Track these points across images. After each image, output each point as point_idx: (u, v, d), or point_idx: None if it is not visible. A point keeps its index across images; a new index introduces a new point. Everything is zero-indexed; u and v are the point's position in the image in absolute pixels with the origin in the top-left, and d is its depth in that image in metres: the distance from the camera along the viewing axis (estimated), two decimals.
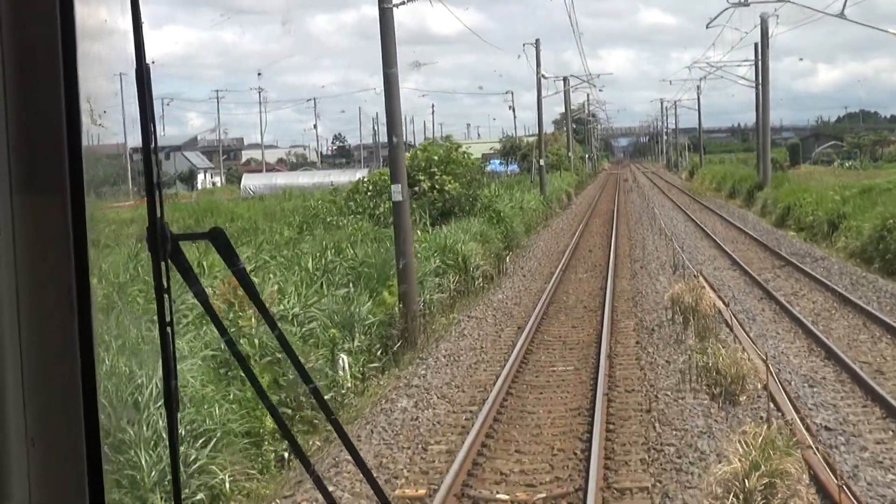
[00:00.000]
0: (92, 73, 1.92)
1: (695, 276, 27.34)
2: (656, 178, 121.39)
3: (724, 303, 22.42)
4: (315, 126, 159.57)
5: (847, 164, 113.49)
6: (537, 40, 59.53)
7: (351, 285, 22.83)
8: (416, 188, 37.55)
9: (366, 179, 39.17)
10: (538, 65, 59.90)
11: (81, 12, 1.86)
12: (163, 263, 1.94)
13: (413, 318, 22.05)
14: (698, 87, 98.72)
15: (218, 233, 2.09)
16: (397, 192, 22.59)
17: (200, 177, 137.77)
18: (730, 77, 64.34)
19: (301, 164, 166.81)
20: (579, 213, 59.20)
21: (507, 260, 35.14)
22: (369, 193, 37.65)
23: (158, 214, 1.93)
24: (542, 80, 61.86)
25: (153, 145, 1.92)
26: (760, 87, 57.56)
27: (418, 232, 33.14)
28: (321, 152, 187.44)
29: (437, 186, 37.63)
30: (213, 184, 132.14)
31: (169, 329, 1.96)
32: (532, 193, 57.51)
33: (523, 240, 42.40)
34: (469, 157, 39.81)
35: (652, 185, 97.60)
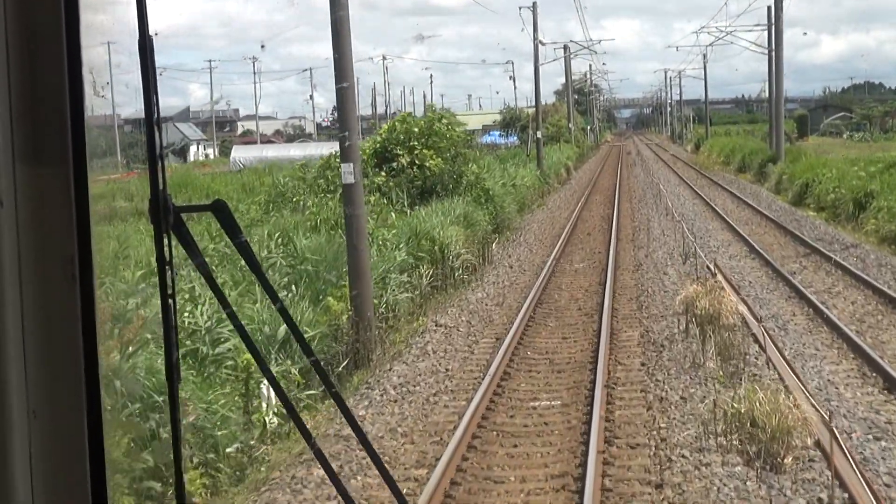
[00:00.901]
0: (95, 43, 1.92)
1: (710, 272, 23.03)
2: (660, 150, 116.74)
3: (753, 313, 18.13)
4: (311, 97, 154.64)
5: (857, 136, 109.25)
6: (534, 3, 54.98)
7: (293, 287, 18.61)
8: (394, 164, 33.27)
9: (337, 153, 34.79)
10: (535, 29, 55.39)
11: None
12: (165, 235, 1.95)
13: (367, 329, 17.78)
14: (704, 56, 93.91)
15: (221, 205, 2.08)
16: (348, 172, 18.28)
17: (193, 149, 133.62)
18: (740, 43, 59.55)
19: (298, 135, 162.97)
20: (579, 189, 54.79)
21: (494, 246, 30.80)
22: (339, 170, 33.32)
23: (161, 186, 1.92)
24: (540, 46, 57.36)
25: (156, 117, 1.92)
26: (774, 52, 53.00)
27: (392, 215, 29.00)
28: (319, 124, 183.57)
29: (416, 162, 33.31)
30: (206, 156, 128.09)
31: (171, 301, 1.94)
32: (528, 168, 53.19)
33: (515, 221, 38.06)
34: (454, 129, 35.41)
35: (656, 158, 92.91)
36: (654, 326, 18.48)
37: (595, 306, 20.94)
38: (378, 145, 34.00)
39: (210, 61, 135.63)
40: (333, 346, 16.77)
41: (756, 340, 16.63)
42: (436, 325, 19.35)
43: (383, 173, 32.69)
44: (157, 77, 1.96)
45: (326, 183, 33.01)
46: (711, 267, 24.32)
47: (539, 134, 55.46)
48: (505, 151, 70.54)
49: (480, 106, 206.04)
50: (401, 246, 24.18)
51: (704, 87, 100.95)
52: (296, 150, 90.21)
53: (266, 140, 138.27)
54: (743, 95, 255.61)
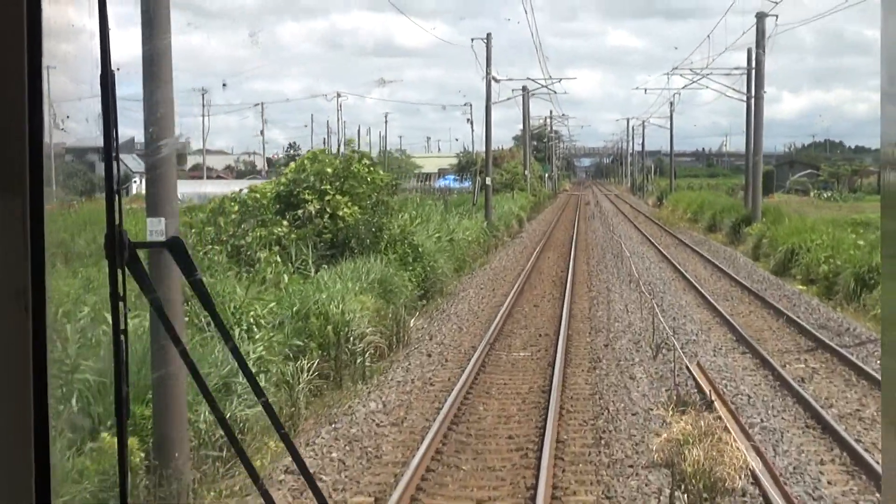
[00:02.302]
0: (57, 75, 1.98)
1: (694, 380, 16.69)
2: (620, 202, 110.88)
3: (773, 474, 11.69)
4: (262, 132, 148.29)
5: (825, 195, 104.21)
6: (488, 35, 48.84)
7: (71, 405, 12.05)
8: (300, 212, 26.80)
9: (231, 195, 28.32)
10: (488, 63, 49.18)
11: (49, 14, 1.86)
12: (119, 271, 1.93)
13: (174, 479, 11.25)
14: (671, 103, 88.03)
15: (176, 242, 2.08)
16: (157, 231, 11.82)
17: (136, 182, 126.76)
18: (714, 87, 53.54)
19: (250, 171, 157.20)
20: (531, 245, 48.36)
21: (414, 322, 24.29)
22: (234, 216, 26.79)
23: (117, 221, 1.91)
24: (495, 84, 51.19)
25: (115, 152, 1.92)
26: (753, 99, 47.08)
27: (286, 277, 22.56)
28: (271, 159, 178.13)
29: (328, 210, 26.86)
30: None
31: (123, 336, 1.94)
32: (474, 218, 46.86)
33: (450, 284, 31.59)
34: (377, 171, 28.94)
35: (616, 211, 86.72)
36: (618, 487, 11.94)
37: (533, 433, 14.44)
38: (282, 188, 27.56)
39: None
40: None
41: None
42: (286, 471, 12.68)
43: (285, 223, 26.23)
44: (118, 109, 1.90)
45: (217, 231, 26.48)
46: (693, 370, 17.99)
47: (488, 180, 49.16)
48: (457, 196, 64.78)
49: (439, 149, 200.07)
50: (285, 325, 17.96)
51: (670, 136, 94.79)
52: (238, 187, 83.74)
53: (216, 175, 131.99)
54: (703, 148, 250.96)
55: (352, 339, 19.47)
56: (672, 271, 36.35)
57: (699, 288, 31.07)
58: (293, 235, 25.92)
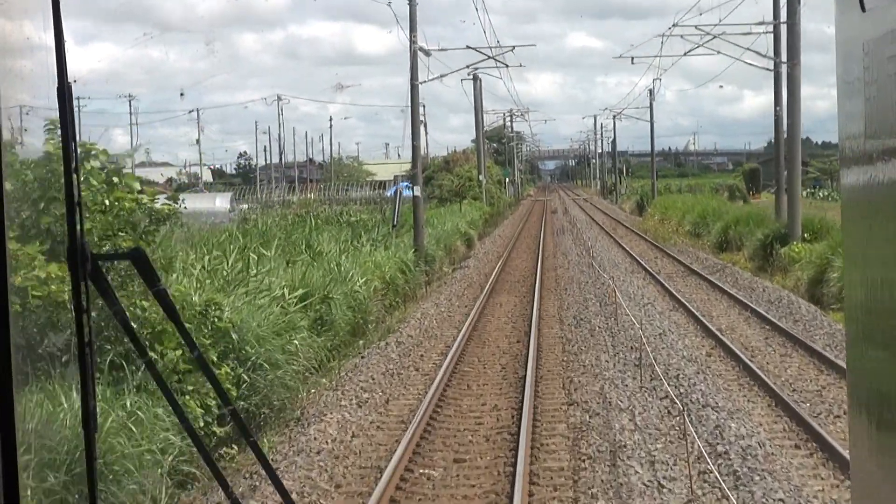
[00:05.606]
0: (14, 89, 1.89)
1: None
2: (592, 208, 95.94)
3: None
4: (198, 141, 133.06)
5: (820, 194, 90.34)
6: None
7: None
8: None
9: None
10: (412, 30, 34.29)
11: (4, 28, 1.81)
12: (82, 283, 1.85)
13: None
14: (651, 92, 73.27)
15: (139, 253, 2.01)
16: None
17: None
18: (728, 52, 39.50)
19: (194, 184, 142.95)
20: (476, 282, 33.20)
21: None
22: None
23: (78, 233, 1.83)
24: (424, 56, 36.35)
25: (74, 164, 1.85)
26: (786, 65, 32.46)
27: None
28: (220, 170, 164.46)
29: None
30: None
31: (88, 349, 1.88)
32: (399, 245, 32.12)
33: (314, 388, 16.83)
34: (130, 184, 13.95)
35: (589, 221, 71.50)
36: None
37: None
38: None
39: (79, 99, 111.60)
40: None
41: None
42: None
43: None
44: (77, 122, 1.78)
45: None
46: None
47: (417, 190, 34.34)
48: (405, 207, 50.47)
49: (399, 155, 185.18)
50: None
51: (650, 130, 78.86)
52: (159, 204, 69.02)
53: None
54: (669, 148, 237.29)
55: None
56: (701, 335, 21.52)
57: (766, 380, 16.45)
58: None
